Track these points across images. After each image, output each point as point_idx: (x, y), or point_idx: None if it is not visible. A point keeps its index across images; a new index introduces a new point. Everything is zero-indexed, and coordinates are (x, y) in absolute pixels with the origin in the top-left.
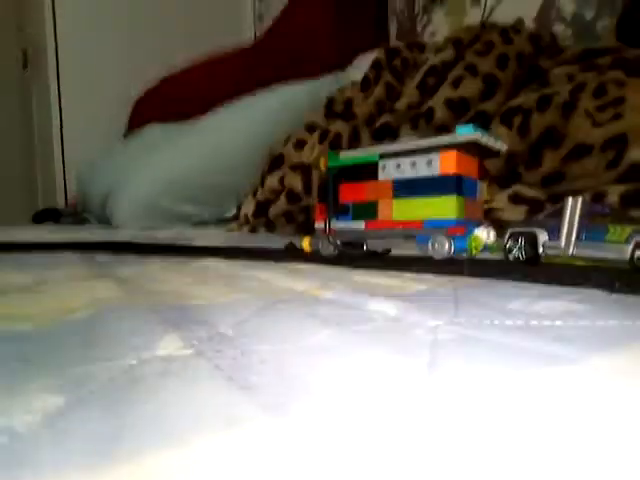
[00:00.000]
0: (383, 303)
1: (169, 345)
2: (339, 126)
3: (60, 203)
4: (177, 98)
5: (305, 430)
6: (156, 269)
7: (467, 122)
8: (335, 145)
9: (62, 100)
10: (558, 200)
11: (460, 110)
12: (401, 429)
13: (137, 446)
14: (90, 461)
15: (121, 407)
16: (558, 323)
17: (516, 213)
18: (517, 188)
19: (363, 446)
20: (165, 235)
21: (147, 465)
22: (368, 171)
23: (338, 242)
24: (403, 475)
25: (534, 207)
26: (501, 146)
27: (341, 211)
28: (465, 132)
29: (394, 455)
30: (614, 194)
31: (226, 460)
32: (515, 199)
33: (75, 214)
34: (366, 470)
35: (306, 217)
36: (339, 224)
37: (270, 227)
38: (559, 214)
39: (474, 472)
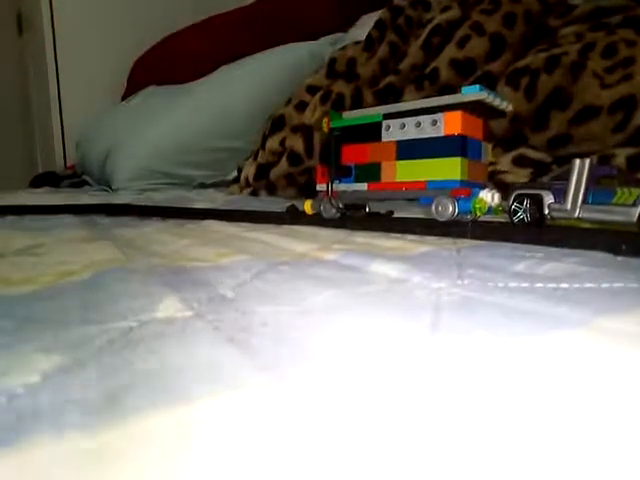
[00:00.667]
0: (385, 265)
1: (169, 307)
2: (341, 86)
3: (60, 167)
4: (176, 59)
5: (304, 393)
6: (156, 231)
7: (473, 83)
8: (337, 106)
9: (59, 63)
10: (564, 163)
11: (466, 71)
12: (402, 391)
13: (135, 407)
14: (88, 422)
15: (119, 368)
16: (563, 285)
17: (521, 175)
18: (522, 150)
19: (362, 409)
20: (165, 198)
21: (145, 425)
22: (371, 132)
23: (340, 204)
24: (404, 439)
25: (539, 169)
26: (507, 107)
27: (343, 173)
28: (471, 92)
29: (394, 418)
30: (621, 156)
31: (224, 422)
32: (520, 161)
33: (74, 177)
34: (366, 433)
35: (308, 179)
36: (341, 186)
37: (271, 190)
38: (565, 176)
39: (475, 436)
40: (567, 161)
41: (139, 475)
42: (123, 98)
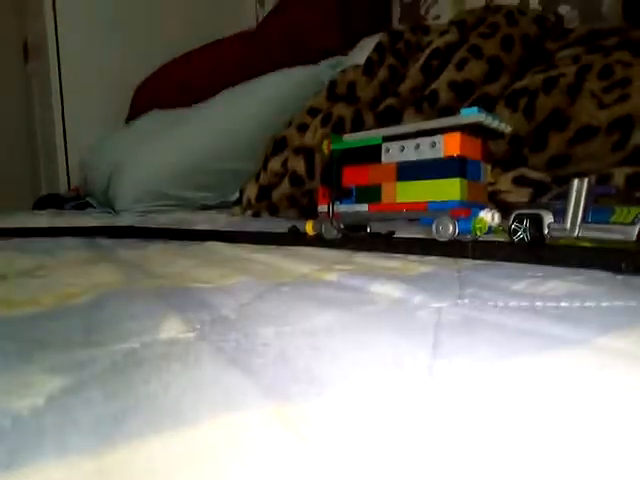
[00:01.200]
0: (387, 285)
1: (171, 328)
2: (342, 109)
3: (63, 189)
4: (178, 84)
5: (307, 416)
6: (158, 253)
7: (471, 105)
8: (338, 128)
9: (63, 88)
10: (563, 183)
11: (464, 93)
12: (406, 412)
13: (138, 429)
14: (92, 445)
15: (123, 390)
16: (563, 304)
17: (521, 195)
18: (522, 170)
19: (367, 431)
20: (167, 220)
21: (148, 449)
22: (371, 154)
23: (341, 225)
24: (408, 456)
25: (539, 189)
26: (505, 128)
27: (344, 194)
28: (469, 114)
29: (399, 435)
30: (620, 176)
31: (227, 444)
32: (520, 181)
33: (77, 199)
34: (371, 457)
35: (309, 200)
36: (342, 207)
37: (273, 211)
38: (564, 196)
39: (477, 451)
40: (566, 181)
41: None
42: (126, 122)
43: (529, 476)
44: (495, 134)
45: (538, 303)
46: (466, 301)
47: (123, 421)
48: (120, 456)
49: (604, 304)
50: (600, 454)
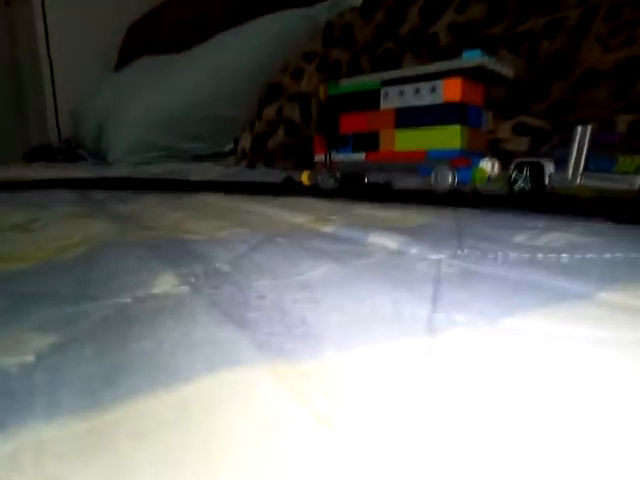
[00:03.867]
0: (384, 236)
1: (164, 283)
2: (338, 53)
3: (53, 140)
4: (170, 27)
5: (303, 372)
6: (151, 205)
7: (473, 47)
8: (334, 73)
9: (49, 33)
10: (564, 130)
11: (465, 35)
12: (405, 367)
13: (131, 387)
14: (83, 404)
15: (115, 347)
16: (564, 256)
17: (520, 144)
18: (522, 118)
19: (364, 386)
20: (160, 171)
21: (141, 407)
22: (369, 100)
23: (338, 175)
24: (404, 412)
25: (539, 137)
26: (508, 72)
27: (341, 142)
28: (471, 56)
29: (396, 390)
30: (622, 123)
31: (222, 401)
32: (519, 129)
33: (69, 151)
34: (369, 412)
35: (305, 150)
36: (339, 156)
37: (268, 161)
38: (566, 144)
39: (476, 409)
40: (567, 129)
41: (134, 457)
42: (116, 67)
43: (528, 431)
44: (497, 79)
45: (539, 255)
46: (465, 253)
47: (115, 379)
48: (113, 415)
49: (605, 256)
50: (601, 408)
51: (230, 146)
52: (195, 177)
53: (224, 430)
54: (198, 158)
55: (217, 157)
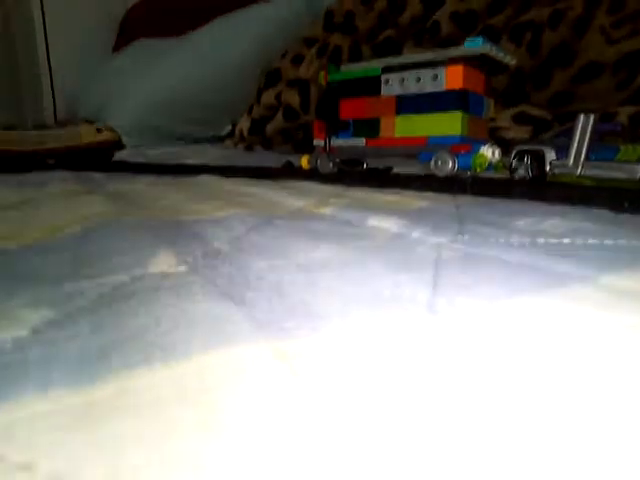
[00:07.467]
0: (384, 220)
1: (162, 262)
2: (339, 39)
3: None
4: (170, 9)
5: (301, 351)
6: (149, 186)
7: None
8: (334, 59)
9: (46, 16)
10: (565, 121)
11: (467, 24)
12: (405, 349)
13: (127, 363)
14: (78, 379)
15: (111, 323)
16: (566, 241)
17: (521, 132)
18: (522, 107)
19: (364, 368)
20: (158, 153)
21: (137, 383)
22: (370, 86)
23: (337, 160)
24: (404, 393)
25: (539, 127)
26: (510, 60)
27: (341, 127)
28: (474, 44)
29: (396, 372)
30: (623, 115)
31: (220, 379)
32: (520, 118)
33: None
34: (368, 393)
35: (303, 135)
36: (338, 141)
37: (266, 145)
38: (567, 133)
39: (476, 390)
40: (568, 119)
41: (128, 431)
42: (114, 49)
43: (529, 413)
44: (499, 67)
45: (540, 239)
46: (466, 237)
47: (111, 355)
48: (108, 391)
49: (607, 242)
50: (602, 391)
51: (228, 129)
52: (193, 160)
53: (222, 406)
54: (196, 141)
55: (215, 140)
